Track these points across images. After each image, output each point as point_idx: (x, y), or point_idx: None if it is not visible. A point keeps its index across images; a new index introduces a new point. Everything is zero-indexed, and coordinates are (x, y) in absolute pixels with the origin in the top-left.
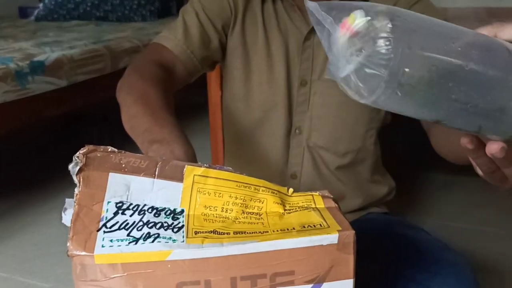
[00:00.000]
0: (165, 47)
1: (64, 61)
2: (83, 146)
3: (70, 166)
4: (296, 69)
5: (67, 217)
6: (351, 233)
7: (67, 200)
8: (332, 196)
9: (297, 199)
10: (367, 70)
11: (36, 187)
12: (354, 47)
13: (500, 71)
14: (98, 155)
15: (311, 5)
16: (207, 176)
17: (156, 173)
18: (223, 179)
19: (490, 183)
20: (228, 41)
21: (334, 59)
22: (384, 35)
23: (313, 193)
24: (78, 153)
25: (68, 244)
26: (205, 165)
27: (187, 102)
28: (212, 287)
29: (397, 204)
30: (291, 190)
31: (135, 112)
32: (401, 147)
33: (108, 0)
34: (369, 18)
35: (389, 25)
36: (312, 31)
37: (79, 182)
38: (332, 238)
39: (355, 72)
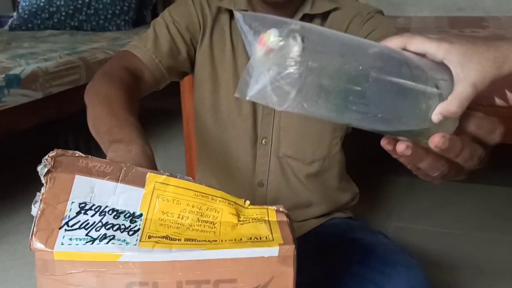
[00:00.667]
0: (134, 55)
1: (39, 73)
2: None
3: (39, 168)
4: None
5: (35, 210)
6: (291, 248)
7: (38, 193)
8: (286, 212)
9: (252, 211)
10: (277, 84)
11: (12, 196)
12: (268, 62)
13: (396, 85)
14: (66, 158)
15: (237, 15)
16: (167, 184)
17: (120, 177)
18: (183, 187)
19: (449, 187)
20: (197, 54)
21: (249, 71)
22: (293, 55)
23: (269, 207)
24: (47, 156)
25: (30, 239)
26: (166, 173)
27: (163, 110)
28: None
29: (361, 208)
30: (247, 202)
31: (98, 113)
32: (363, 152)
33: (82, 10)
34: (281, 38)
35: (298, 47)
36: None
37: (46, 183)
38: (273, 251)
39: (268, 84)
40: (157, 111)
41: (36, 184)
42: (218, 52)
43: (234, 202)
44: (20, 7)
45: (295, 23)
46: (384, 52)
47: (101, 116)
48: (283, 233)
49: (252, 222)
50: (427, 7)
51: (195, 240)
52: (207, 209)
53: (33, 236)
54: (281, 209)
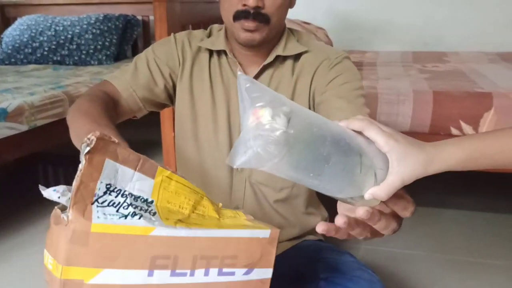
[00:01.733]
0: (112, 84)
1: (25, 107)
2: (38, 187)
3: (82, 146)
4: (236, 115)
5: (47, 193)
6: (277, 231)
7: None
8: (251, 217)
9: (226, 212)
10: (261, 153)
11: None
12: (256, 135)
13: (347, 170)
14: (103, 142)
15: (241, 78)
16: (171, 179)
17: (138, 167)
18: (181, 184)
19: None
20: (177, 88)
21: (240, 138)
22: (277, 135)
23: (237, 211)
24: (91, 135)
25: (68, 211)
26: (170, 170)
27: (144, 140)
28: (179, 262)
29: None
30: (220, 204)
31: (80, 124)
32: None
33: (65, 45)
34: (272, 120)
35: (282, 130)
36: None
37: (85, 161)
38: (265, 232)
39: (253, 154)
40: (138, 142)
41: (20, 211)
42: (197, 87)
43: (214, 203)
44: (3, 42)
45: (287, 106)
46: (346, 142)
47: (83, 125)
48: (263, 224)
49: (230, 218)
50: (394, 42)
51: (200, 225)
52: (198, 204)
53: (71, 209)
54: (246, 214)
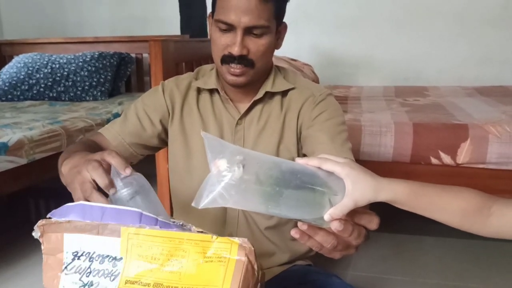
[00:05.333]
0: (102, 135)
1: (25, 141)
2: (26, 219)
3: (33, 233)
4: None
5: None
6: None
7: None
8: (248, 246)
9: (218, 245)
10: (222, 193)
11: None
12: (218, 181)
13: (306, 198)
14: (52, 223)
15: (205, 137)
16: (139, 234)
17: (98, 232)
18: (153, 236)
19: (395, 240)
20: (169, 130)
21: (205, 183)
22: (234, 180)
23: (233, 240)
24: (36, 225)
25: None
26: (137, 225)
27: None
28: None
29: (321, 259)
30: (215, 237)
31: (65, 159)
32: None
33: (61, 82)
34: (229, 167)
35: (238, 175)
36: (242, 117)
37: (43, 243)
38: None
39: (217, 195)
40: None
41: (13, 246)
42: (189, 124)
43: (201, 241)
44: (0, 79)
45: (241, 156)
46: (297, 176)
47: (67, 159)
48: (233, 285)
49: (215, 261)
50: (377, 77)
51: (161, 285)
52: (175, 250)
53: (44, 281)
54: (244, 244)
